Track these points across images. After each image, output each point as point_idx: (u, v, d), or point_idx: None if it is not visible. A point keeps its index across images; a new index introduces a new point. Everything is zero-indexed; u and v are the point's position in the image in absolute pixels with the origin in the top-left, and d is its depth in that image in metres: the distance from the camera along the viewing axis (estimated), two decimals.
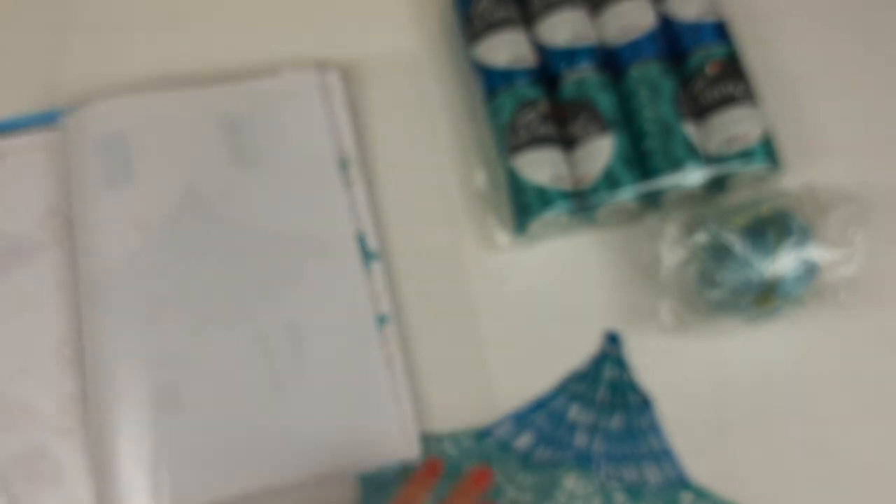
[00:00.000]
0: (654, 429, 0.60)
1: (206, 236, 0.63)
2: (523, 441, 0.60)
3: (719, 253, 0.59)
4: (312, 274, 0.63)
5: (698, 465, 0.60)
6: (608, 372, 0.62)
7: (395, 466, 0.59)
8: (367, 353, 0.61)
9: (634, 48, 0.65)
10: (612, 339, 0.63)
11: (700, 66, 0.65)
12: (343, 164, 0.66)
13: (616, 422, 0.61)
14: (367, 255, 0.64)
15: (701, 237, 0.60)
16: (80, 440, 0.60)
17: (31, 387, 0.60)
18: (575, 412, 0.61)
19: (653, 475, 0.59)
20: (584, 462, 0.60)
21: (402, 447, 0.59)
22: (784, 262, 0.58)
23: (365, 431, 0.59)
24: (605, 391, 0.61)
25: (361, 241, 0.64)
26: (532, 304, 0.64)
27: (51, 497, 0.58)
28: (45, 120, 0.67)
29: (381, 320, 0.62)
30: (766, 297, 0.59)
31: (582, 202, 0.63)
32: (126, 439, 0.58)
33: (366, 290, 0.63)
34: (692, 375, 0.62)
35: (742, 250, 0.58)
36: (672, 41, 0.66)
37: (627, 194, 0.62)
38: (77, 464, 0.59)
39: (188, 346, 0.60)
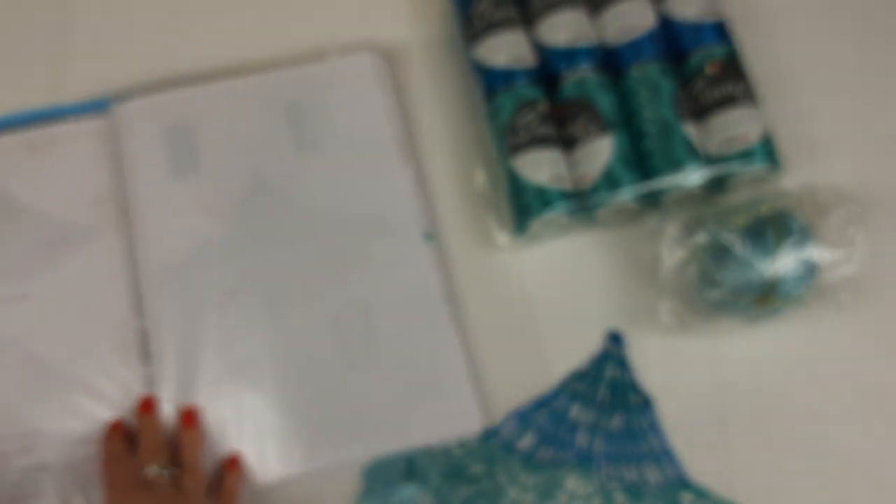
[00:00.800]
0: (655, 429, 0.60)
1: (274, 219, 0.64)
2: (526, 441, 0.60)
3: (719, 253, 0.59)
4: (379, 253, 0.64)
5: (698, 465, 0.60)
6: (609, 371, 0.62)
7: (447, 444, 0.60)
8: (434, 330, 0.62)
9: (634, 48, 0.65)
10: (615, 339, 0.63)
11: (700, 67, 0.65)
12: (398, 145, 0.67)
13: (616, 421, 0.61)
14: (425, 234, 0.64)
15: (701, 237, 0.60)
16: None
17: (93, 370, 0.61)
18: (576, 411, 0.61)
19: (653, 475, 0.59)
20: (584, 462, 0.60)
21: (468, 421, 0.60)
22: (784, 262, 0.58)
23: (433, 406, 0.60)
24: (606, 391, 0.61)
25: (420, 219, 0.65)
26: (532, 303, 0.64)
27: None
28: (95, 108, 0.68)
29: (445, 297, 0.63)
30: (766, 297, 0.59)
31: (582, 202, 0.63)
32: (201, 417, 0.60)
33: (429, 267, 0.64)
34: (692, 375, 0.62)
35: (742, 250, 0.58)
36: (672, 41, 0.66)
37: (627, 194, 0.62)
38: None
39: (262, 326, 0.62)
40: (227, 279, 0.63)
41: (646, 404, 0.61)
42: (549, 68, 0.66)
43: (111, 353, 0.61)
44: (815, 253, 0.59)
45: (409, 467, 0.59)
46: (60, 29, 0.71)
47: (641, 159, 0.63)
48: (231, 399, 0.60)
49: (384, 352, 0.61)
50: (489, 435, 0.60)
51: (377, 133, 0.67)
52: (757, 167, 0.62)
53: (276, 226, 0.64)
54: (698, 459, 0.60)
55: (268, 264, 0.63)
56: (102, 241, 0.64)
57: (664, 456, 0.60)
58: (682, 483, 0.59)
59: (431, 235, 0.65)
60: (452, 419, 0.60)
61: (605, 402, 0.61)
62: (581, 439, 0.60)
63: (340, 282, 0.63)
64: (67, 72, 0.69)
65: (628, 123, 0.64)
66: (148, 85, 0.68)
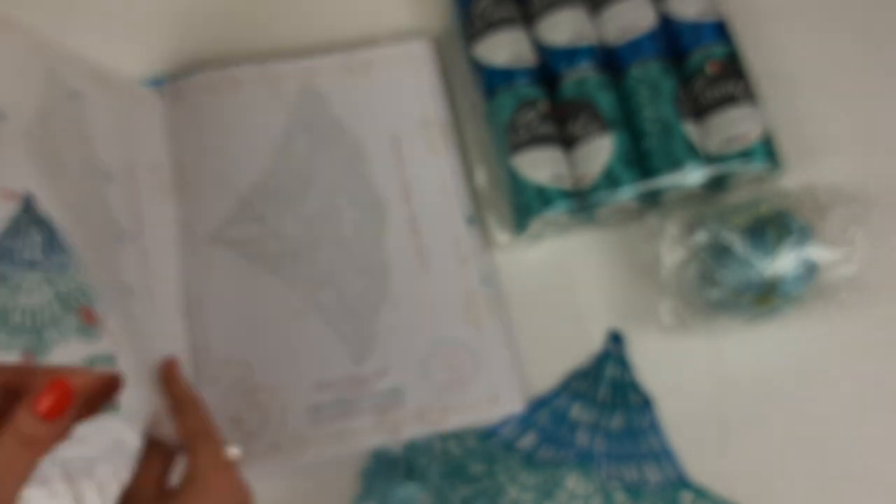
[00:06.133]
0: (655, 429, 0.60)
1: (322, 199, 0.65)
2: (527, 441, 0.60)
3: (719, 253, 0.59)
4: (423, 236, 0.64)
5: (698, 465, 0.60)
6: (610, 371, 0.62)
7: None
8: (476, 312, 0.62)
9: (634, 48, 0.65)
10: (616, 339, 0.63)
11: (700, 66, 0.65)
12: (442, 129, 0.67)
13: (617, 421, 0.61)
14: (468, 218, 0.65)
15: (701, 237, 0.60)
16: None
17: (155, 340, 0.61)
18: (577, 411, 0.61)
19: (653, 475, 0.59)
20: (585, 461, 0.59)
21: (510, 402, 0.61)
22: (784, 262, 0.58)
23: (476, 388, 0.61)
24: (607, 390, 0.61)
25: (462, 204, 0.65)
26: (531, 303, 0.64)
27: None
28: (148, 87, 0.69)
29: (486, 280, 0.63)
30: (766, 297, 0.59)
31: (582, 202, 0.63)
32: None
33: (471, 250, 0.64)
34: (692, 375, 0.62)
35: (742, 250, 0.58)
36: (672, 41, 0.66)
37: (627, 194, 0.62)
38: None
39: (305, 304, 0.62)
40: (272, 251, 0.64)
41: (646, 404, 0.61)
42: (549, 67, 0.66)
43: (173, 325, 0.62)
44: (815, 253, 0.59)
45: (409, 467, 0.59)
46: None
47: (641, 159, 0.63)
48: (273, 364, 0.61)
49: (427, 335, 0.62)
50: (489, 434, 0.60)
51: (424, 115, 0.67)
52: (757, 167, 0.62)
53: (324, 205, 0.65)
54: (698, 459, 0.60)
55: (313, 242, 0.64)
56: (160, 211, 0.65)
57: (664, 456, 0.60)
58: (682, 483, 0.59)
59: (473, 219, 0.65)
60: (494, 400, 0.61)
61: (605, 401, 0.61)
62: (581, 439, 0.60)
63: (379, 262, 0.64)
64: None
65: (628, 123, 0.64)
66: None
